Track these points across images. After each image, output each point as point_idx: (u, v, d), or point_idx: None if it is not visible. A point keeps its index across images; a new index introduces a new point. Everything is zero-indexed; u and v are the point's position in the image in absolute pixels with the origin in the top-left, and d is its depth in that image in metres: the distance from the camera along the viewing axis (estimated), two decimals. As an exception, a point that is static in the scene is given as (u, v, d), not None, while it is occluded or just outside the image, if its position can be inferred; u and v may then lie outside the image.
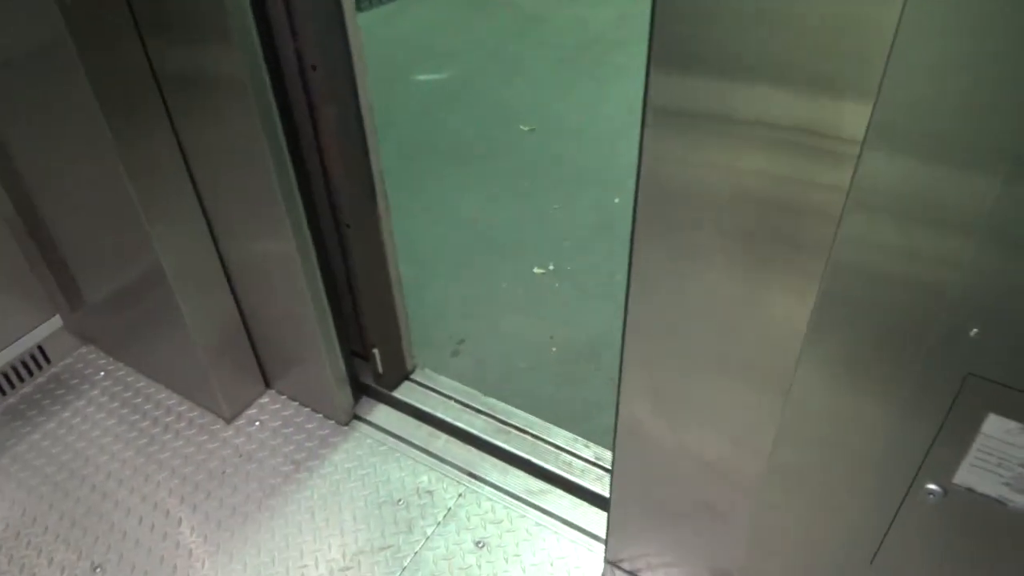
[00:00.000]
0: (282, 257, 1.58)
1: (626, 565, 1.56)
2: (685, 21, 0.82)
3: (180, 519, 1.71)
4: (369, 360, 1.88)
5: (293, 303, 1.66)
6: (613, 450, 1.35)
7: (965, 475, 0.90)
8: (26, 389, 2.06)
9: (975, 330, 0.80)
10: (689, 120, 0.89)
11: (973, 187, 0.73)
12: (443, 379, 1.97)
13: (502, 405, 1.89)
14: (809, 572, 1.19)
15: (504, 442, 1.79)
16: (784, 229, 0.91)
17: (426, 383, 1.96)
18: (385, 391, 1.93)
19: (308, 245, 1.57)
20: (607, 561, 1.58)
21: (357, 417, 1.92)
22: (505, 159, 2.99)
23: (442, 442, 1.85)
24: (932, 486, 0.93)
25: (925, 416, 0.89)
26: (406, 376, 1.97)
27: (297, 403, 1.97)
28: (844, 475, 1.02)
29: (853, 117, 0.78)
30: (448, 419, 1.86)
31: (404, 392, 1.93)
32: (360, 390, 1.96)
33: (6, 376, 2.02)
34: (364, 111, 1.49)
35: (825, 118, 0.80)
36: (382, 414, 1.93)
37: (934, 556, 1.00)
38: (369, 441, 1.86)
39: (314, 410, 1.94)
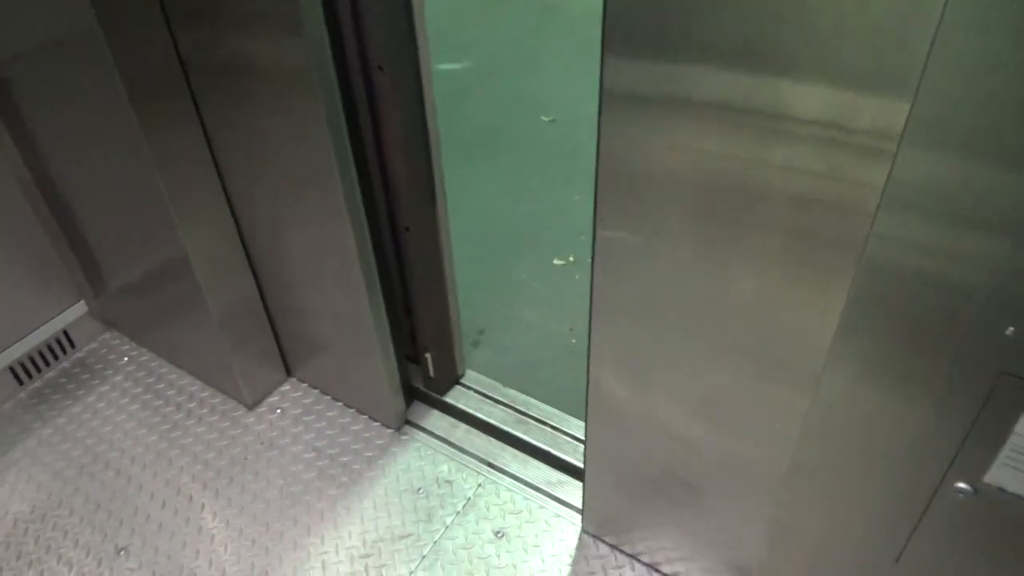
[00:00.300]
0: (340, 258, 1.55)
1: (592, 529, 1.60)
2: (636, 8, 0.87)
3: (203, 504, 1.73)
4: (420, 364, 1.86)
5: (348, 304, 1.63)
6: (585, 421, 1.38)
7: (996, 474, 0.89)
8: (51, 373, 2.09)
9: (1011, 329, 0.79)
10: (641, 104, 0.94)
11: (1011, 185, 0.72)
12: (493, 383, 1.93)
13: (521, 396, 1.89)
14: (832, 570, 1.18)
15: (523, 433, 1.79)
16: (739, 210, 0.94)
17: (477, 388, 1.92)
18: (436, 395, 1.90)
19: (368, 247, 1.54)
20: (584, 531, 1.62)
21: (408, 422, 1.89)
22: (525, 150, 2.98)
23: (461, 432, 1.85)
24: (962, 485, 0.92)
25: (956, 414, 0.88)
26: (457, 380, 1.94)
27: (318, 391, 1.98)
28: (871, 473, 1.02)
29: (806, 99, 0.80)
30: (468, 409, 1.86)
31: (455, 397, 1.90)
32: (411, 394, 1.93)
33: (32, 360, 2.05)
34: (428, 114, 1.46)
35: (776, 97, 0.83)
36: (434, 420, 1.90)
37: (962, 555, 0.99)
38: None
39: (365, 414, 1.91)
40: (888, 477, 1.00)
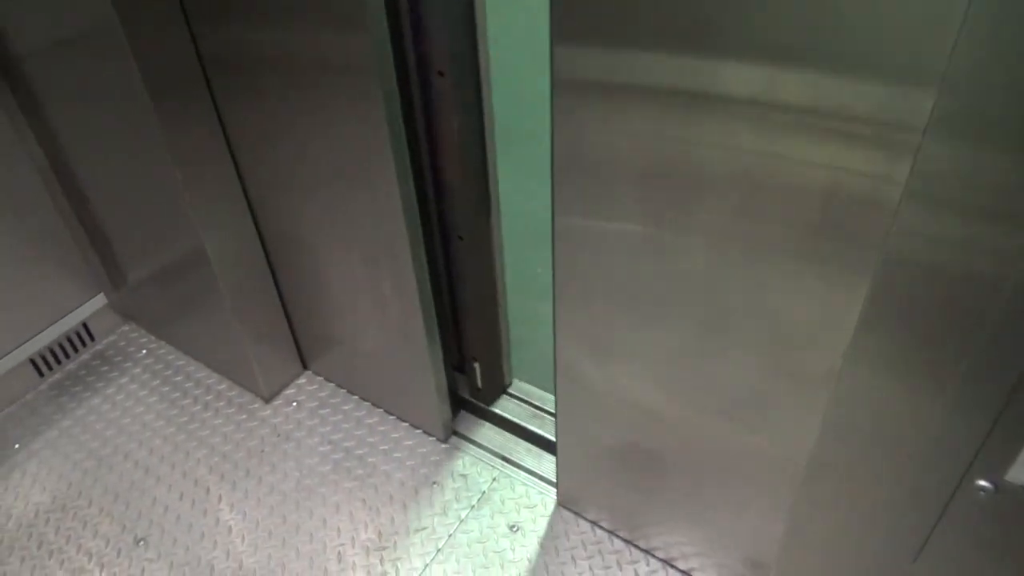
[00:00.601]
0: (392, 265, 1.51)
1: (563, 501, 1.65)
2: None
3: (220, 496, 1.74)
4: (467, 374, 1.83)
5: (398, 310, 1.60)
6: (555, 394, 1.43)
7: (1018, 472, 0.88)
8: (71, 365, 2.11)
9: (1036, 325, 0.77)
10: (591, 90, 0.99)
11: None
12: (542, 393, 1.89)
13: (536, 390, 1.89)
14: (849, 567, 1.18)
15: (538, 427, 1.79)
16: (681, 191, 0.99)
17: (525, 397, 1.88)
18: (483, 406, 1.87)
19: (421, 255, 1.49)
20: (559, 503, 1.65)
21: (456, 433, 1.86)
22: (542, 143, 2.97)
23: (475, 426, 1.86)
24: (983, 483, 0.91)
25: (978, 411, 0.87)
26: (504, 390, 1.90)
27: (333, 385, 1.99)
28: (889, 470, 1.01)
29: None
30: (483, 404, 1.86)
31: (502, 407, 1.87)
32: (456, 404, 1.90)
33: (52, 352, 2.07)
34: (487, 121, 1.43)
35: (700, 77, 0.88)
36: (482, 431, 1.86)
37: (982, 554, 0.98)
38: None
39: (413, 424, 1.86)
40: (907, 474, 0.99)
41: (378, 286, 1.59)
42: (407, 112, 1.35)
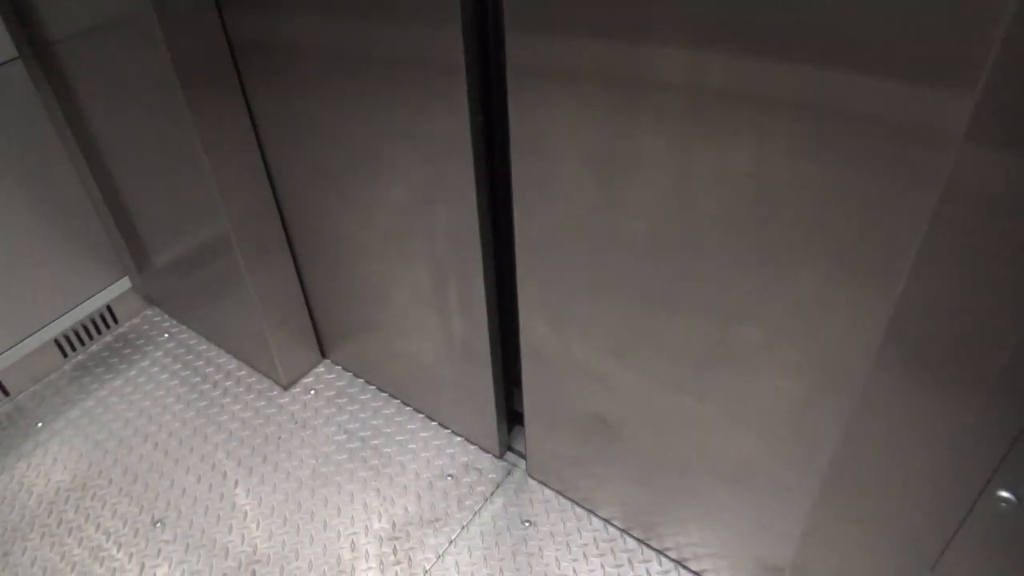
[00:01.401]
0: (461, 276, 1.46)
1: (533, 472, 1.71)
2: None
3: (236, 481, 1.76)
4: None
5: (463, 322, 1.55)
6: (520, 367, 1.50)
7: (1042, 485, 0.86)
8: (94, 347, 2.14)
9: (1065, 335, 0.76)
10: (543, 77, 1.03)
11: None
12: None
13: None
14: (865, 572, 1.17)
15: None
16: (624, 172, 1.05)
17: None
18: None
19: (492, 269, 1.43)
20: (527, 473, 1.69)
21: (512, 449, 1.81)
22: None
23: (492, 420, 1.86)
24: (1005, 494, 0.90)
25: (1003, 423, 0.86)
26: None
27: (351, 374, 2.00)
28: (911, 477, 1.00)
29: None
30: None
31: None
32: (514, 419, 1.82)
33: (77, 334, 2.10)
34: None
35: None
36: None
37: (1002, 565, 0.97)
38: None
39: (469, 439, 1.82)
40: (928, 482, 0.98)
41: (439, 291, 1.54)
42: (485, 116, 1.26)
